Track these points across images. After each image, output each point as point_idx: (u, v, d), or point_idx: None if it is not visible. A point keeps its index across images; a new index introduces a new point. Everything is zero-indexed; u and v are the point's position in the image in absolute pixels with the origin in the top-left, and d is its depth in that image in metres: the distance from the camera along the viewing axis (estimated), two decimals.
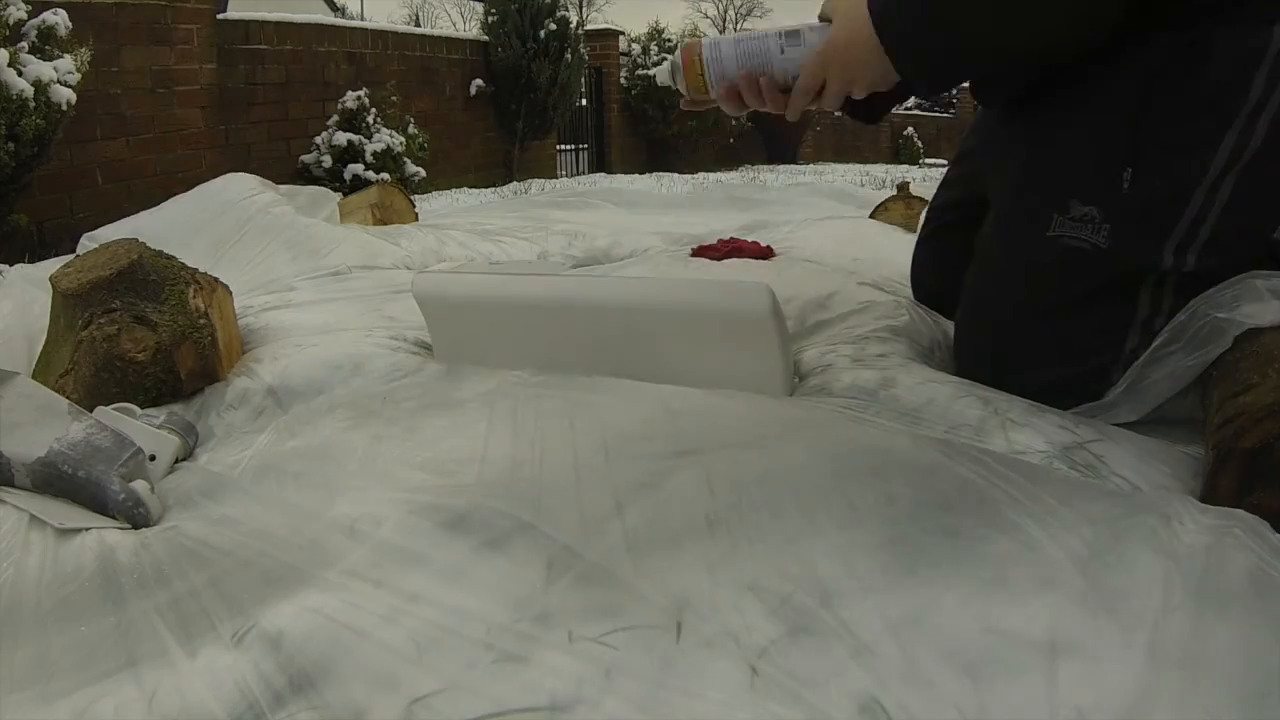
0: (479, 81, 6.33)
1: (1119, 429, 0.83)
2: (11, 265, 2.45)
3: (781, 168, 7.76)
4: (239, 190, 1.83)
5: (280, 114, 4.77)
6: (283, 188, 2.08)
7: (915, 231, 1.78)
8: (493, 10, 6.43)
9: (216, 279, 1.12)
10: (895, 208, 2.05)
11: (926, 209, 1.33)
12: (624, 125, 8.31)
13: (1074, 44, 0.85)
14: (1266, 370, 0.69)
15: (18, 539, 0.73)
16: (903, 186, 2.09)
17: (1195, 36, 0.81)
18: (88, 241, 1.59)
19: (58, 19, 2.89)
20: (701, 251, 1.69)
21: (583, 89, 7.62)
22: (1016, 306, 0.92)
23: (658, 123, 8.26)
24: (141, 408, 0.94)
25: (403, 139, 4.76)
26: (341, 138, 4.59)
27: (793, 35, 0.91)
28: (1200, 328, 0.80)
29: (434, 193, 4.77)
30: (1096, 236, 0.86)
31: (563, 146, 7.77)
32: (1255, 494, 0.66)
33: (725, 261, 1.59)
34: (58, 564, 0.69)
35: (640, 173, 6.54)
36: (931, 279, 1.24)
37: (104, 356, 0.96)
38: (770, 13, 37.80)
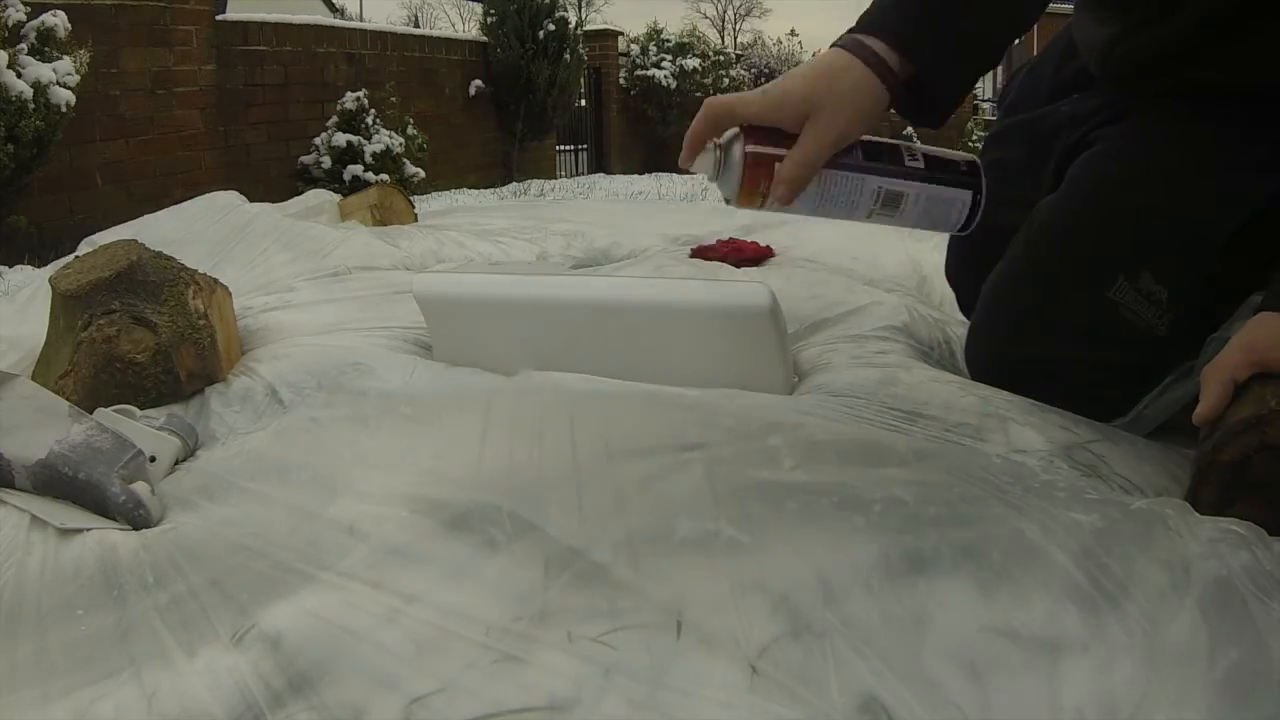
0: (478, 82, 6.33)
1: (1120, 430, 0.83)
2: (11, 267, 2.45)
3: None
4: (231, 200, 1.83)
5: (279, 115, 4.78)
6: (273, 206, 2.07)
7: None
8: (492, 11, 6.44)
9: (216, 280, 1.12)
10: None
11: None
12: (623, 126, 8.31)
13: None
14: (1249, 384, 0.68)
15: (19, 540, 0.73)
16: None
17: None
18: (86, 247, 1.59)
19: (57, 20, 2.90)
20: (701, 252, 1.69)
21: (582, 89, 7.63)
22: (1041, 343, 0.86)
23: (657, 123, 8.28)
24: (141, 409, 0.94)
25: (402, 140, 4.76)
26: (341, 139, 4.59)
27: (892, 200, 0.73)
28: (1204, 353, 0.80)
29: (433, 193, 4.77)
30: (1158, 322, 0.79)
31: (562, 147, 7.78)
32: (1236, 507, 0.65)
33: (724, 261, 1.59)
34: (59, 564, 0.69)
35: (639, 173, 6.54)
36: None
37: (104, 358, 0.96)
38: (769, 13, 37.84)
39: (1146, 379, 0.83)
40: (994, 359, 0.92)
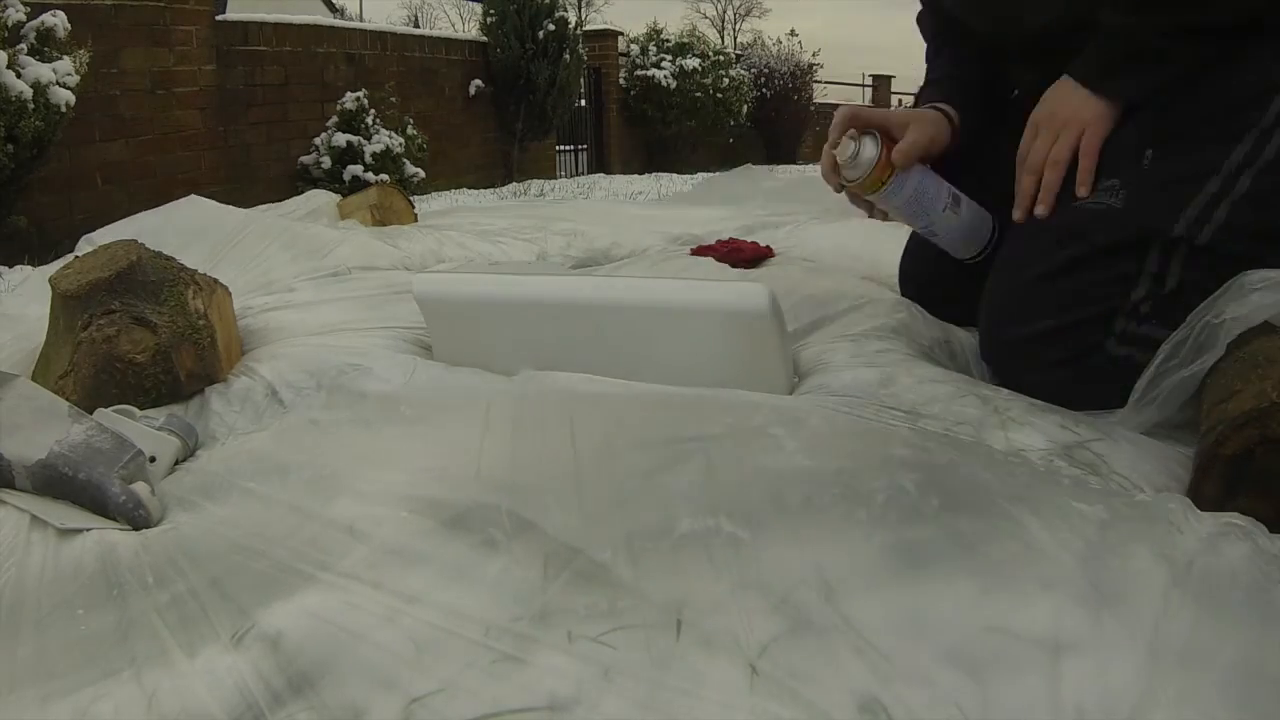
0: (478, 82, 6.33)
1: (1119, 428, 0.83)
2: (11, 267, 2.45)
3: (780, 167, 7.75)
4: (209, 204, 1.82)
5: (279, 115, 4.77)
6: (268, 206, 2.07)
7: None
8: (491, 11, 6.43)
9: (216, 280, 1.12)
10: None
11: None
12: (623, 126, 8.30)
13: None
14: (1249, 376, 0.68)
15: (19, 539, 0.73)
16: None
17: (1232, 47, 0.89)
18: (85, 244, 1.59)
19: (56, 20, 2.89)
20: (701, 251, 1.69)
21: (581, 89, 7.62)
22: (1037, 264, 0.95)
23: (656, 123, 8.26)
24: (141, 409, 0.94)
25: (402, 140, 4.76)
26: (341, 139, 4.59)
27: (955, 201, 1.04)
28: (1196, 335, 0.80)
29: (433, 194, 4.77)
30: (1114, 199, 0.92)
31: (562, 147, 7.77)
32: (1240, 500, 0.65)
33: (724, 261, 1.59)
34: (59, 564, 0.69)
35: (639, 173, 6.54)
36: (917, 267, 1.26)
37: (103, 358, 0.96)
38: (769, 13, 37.81)
39: (1127, 258, 0.89)
40: (1001, 291, 0.99)
